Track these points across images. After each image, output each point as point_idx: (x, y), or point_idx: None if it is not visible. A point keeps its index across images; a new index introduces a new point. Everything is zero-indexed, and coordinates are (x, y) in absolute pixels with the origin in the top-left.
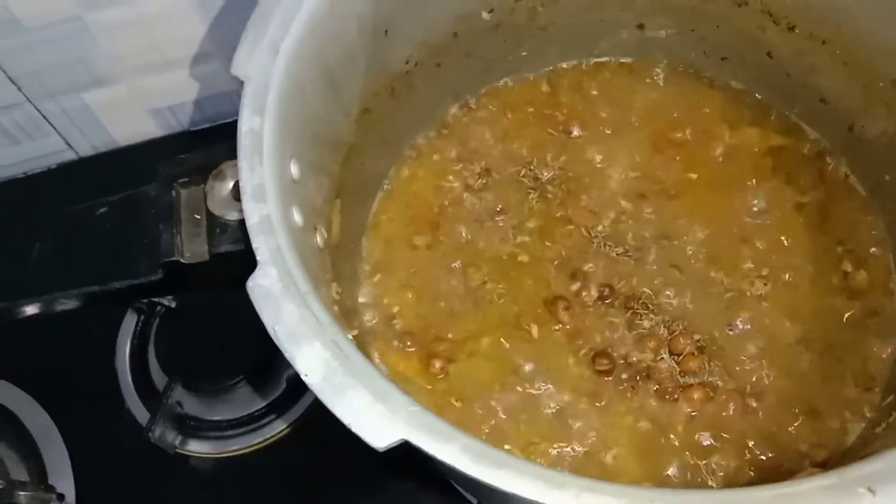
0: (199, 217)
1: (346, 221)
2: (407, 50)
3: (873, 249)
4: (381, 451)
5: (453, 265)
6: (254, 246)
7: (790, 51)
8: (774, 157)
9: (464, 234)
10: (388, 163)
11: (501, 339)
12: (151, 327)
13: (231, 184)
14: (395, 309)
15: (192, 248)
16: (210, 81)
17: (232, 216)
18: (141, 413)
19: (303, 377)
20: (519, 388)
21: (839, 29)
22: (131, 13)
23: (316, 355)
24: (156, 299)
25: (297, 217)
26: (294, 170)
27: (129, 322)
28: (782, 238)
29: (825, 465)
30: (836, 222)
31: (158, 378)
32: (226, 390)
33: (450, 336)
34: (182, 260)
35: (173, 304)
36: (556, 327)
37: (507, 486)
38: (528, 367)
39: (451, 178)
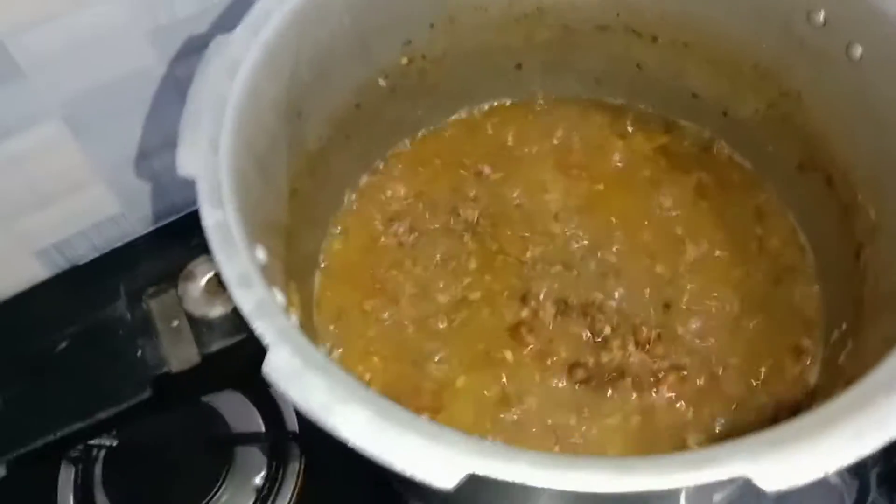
0: (176, 323)
1: (301, 305)
2: (319, 128)
3: (773, 212)
4: (451, 490)
5: (409, 320)
6: (258, 332)
7: (657, 60)
8: (666, 155)
9: (411, 289)
10: (319, 240)
11: (477, 377)
12: (93, 475)
13: (203, 281)
14: (367, 377)
15: (179, 356)
16: (94, 208)
17: (215, 312)
18: None
19: (351, 443)
20: (508, 419)
21: (697, 31)
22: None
23: (357, 417)
24: (93, 442)
25: (280, 297)
26: (261, 254)
27: (67, 476)
28: (695, 222)
29: (796, 411)
30: (735, 197)
31: None
32: None
33: (427, 387)
34: (172, 370)
35: (114, 443)
36: (526, 351)
37: (584, 487)
38: (510, 398)
39: (382, 240)
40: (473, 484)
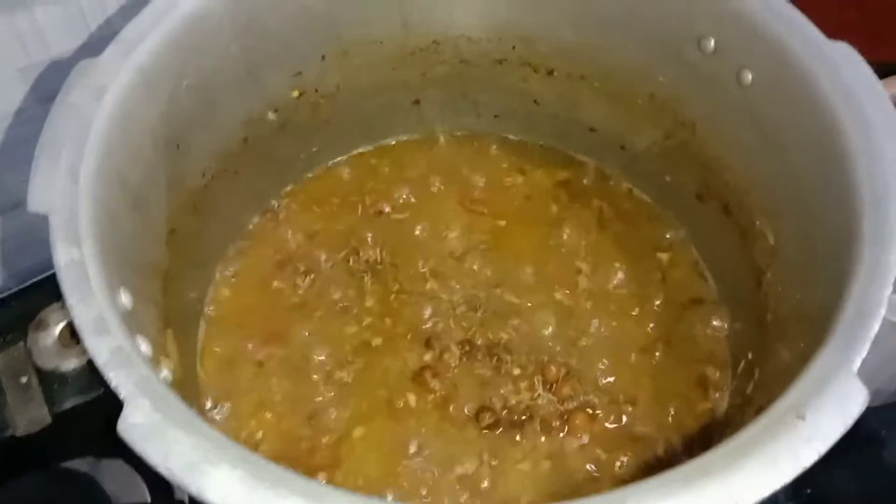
0: (25, 380)
1: (181, 354)
2: (202, 162)
3: (675, 244)
4: None
5: (306, 369)
6: (112, 384)
7: (554, 94)
8: (566, 189)
9: (308, 335)
10: (204, 285)
11: (378, 427)
12: None
13: (57, 330)
14: (259, 435)
15: (27, 416)
16: None
17: (68, 365)
18: None
19: None
20: (412, 469)
21: (592, 63)
22: None
23: (226, 477)
24: None
25: (145, 347)
26: (125, 299)
27: None
28: (598, 256)
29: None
30: (637, 230)
31: None
32: None
33: (324, 441)
34: (18, 433)
35: None
36: (430, 398)
37: None
38: (413, 448)
39: (275, 285)
40: None
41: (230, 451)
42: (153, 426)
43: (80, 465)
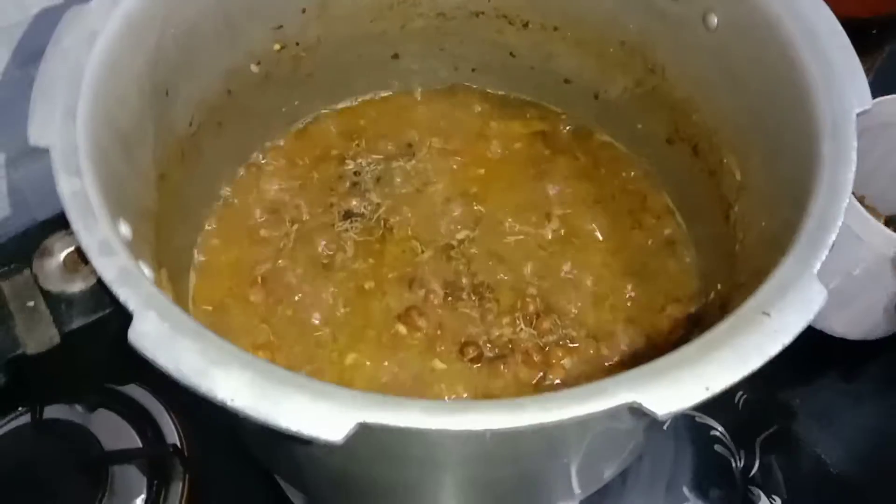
0: (32, 304)
1: (175, 295)
2: (188, 111)
3: (647, 188)
4: (340, 443)
5: (295, 312)
6: (121, 299)
7: (528, 46)
8: (543, 140)
9: (296, 281)
10: (193, 235)
11: (369, 362)
12: None
13: (62, 256)
14: None
15: (36, 338)
16: None
17: (74, 288)
18: None
19: (229, 404)
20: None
21: (564, 13)
22: None
23: (236, 377)
24: None
25: (148, 272)
26: (125, 230)
27: None
28: (575, 202)
29: None
30: (611, 176)
31: None
32: None
33: (319, 373)
34: (28, 352)
35: None
36: (417, 335)
37: (477, 425)
38: (402, 383)
39: (263, 233)
40: (364, 439)
41: (238, 355)
42: (163, 335)
43: (70, 414)
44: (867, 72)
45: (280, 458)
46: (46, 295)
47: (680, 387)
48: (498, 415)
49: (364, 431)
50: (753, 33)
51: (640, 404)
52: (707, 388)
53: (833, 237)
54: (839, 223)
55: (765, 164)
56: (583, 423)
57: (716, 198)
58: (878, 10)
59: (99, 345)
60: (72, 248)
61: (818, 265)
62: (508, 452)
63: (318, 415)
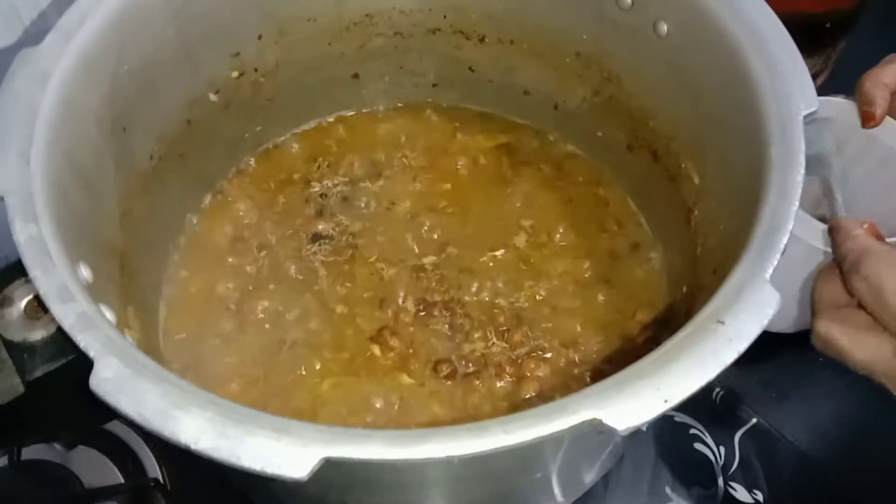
0: None
1: (143, 331)
2: (148, 145)
3: (611, 195)
4: (305, 479)
5: (268, 339)
6: (81, 346)
7: (487, 60)
8: (507, 152)
9: (266, 307)
10: (159, 268)
11: (343, 386)
12: None
13: (23, 304)
14: None
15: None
16: None
17: (36, 336)
18: None
19: (193, 448)
20: (380, 422)
21: (519, 26)
22: None
23: (197, 419)
24: None
25: (109, 315)
26: (85, 272)
27: None
28: (540, 212)
29: None
30: (575, 185)
31: None
32: None
33: (292, 405)
34: None
35: None
36: (390, 355)
37: (440, 453)
38: (378, 404)
39: (231, 261)
40: (333, 470)
41: (198, 396)
42: (123, 379)
43: (49, 453)
44: (823, 68)
45: (258, 488)
46: (8, 344)
47: (639, 401)
48: (460, 441)
49: (330, 465)
50: (702, 39)
51: (600, 420)
52: (666, 401)
53: (784, 241)
54: (790, 227)
55: (720, 168)
56: (550, 441)
57: (677, 202)
58: (834, 5)
59: (68, 389)
60: (32, 296)
61: (770, 270)
62: (480, 472)
63: (280, 453)
